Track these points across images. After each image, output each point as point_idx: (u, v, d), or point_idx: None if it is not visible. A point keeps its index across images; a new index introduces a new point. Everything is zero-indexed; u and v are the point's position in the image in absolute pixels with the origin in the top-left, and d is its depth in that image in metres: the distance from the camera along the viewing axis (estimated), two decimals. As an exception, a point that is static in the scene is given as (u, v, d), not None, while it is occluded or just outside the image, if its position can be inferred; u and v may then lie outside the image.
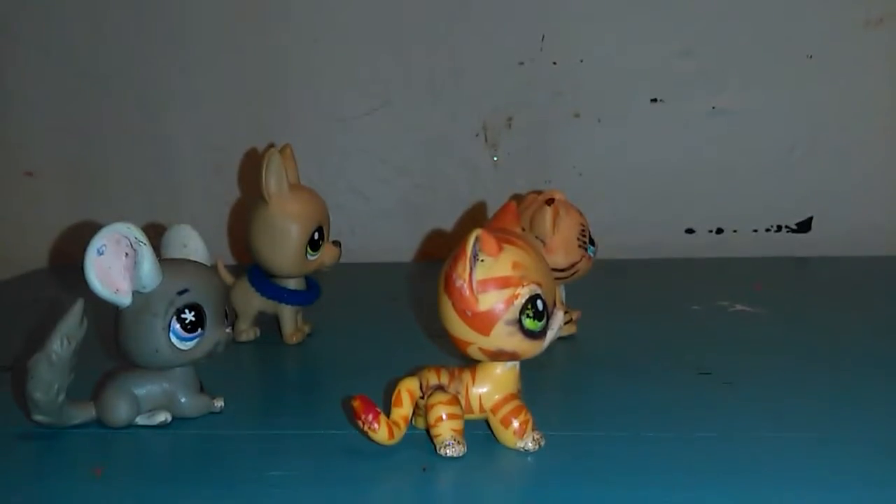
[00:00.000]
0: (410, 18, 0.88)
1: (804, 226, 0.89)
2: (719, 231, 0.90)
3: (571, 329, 0.59)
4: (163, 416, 0.43)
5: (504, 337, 0.37)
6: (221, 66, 0.91)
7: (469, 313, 0.37)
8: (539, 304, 0.37)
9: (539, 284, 0.37)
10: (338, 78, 0.90)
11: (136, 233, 0.40)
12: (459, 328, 0.38)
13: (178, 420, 0.44)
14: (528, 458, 0.39)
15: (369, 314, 0.69)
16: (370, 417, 0.39)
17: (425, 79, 0.89)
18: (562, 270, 0.55)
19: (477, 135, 0.90)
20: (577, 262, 0.55)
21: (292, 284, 0.58)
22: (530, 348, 0.38)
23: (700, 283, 0.76)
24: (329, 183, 0.88)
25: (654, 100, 0.87)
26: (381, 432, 0.39)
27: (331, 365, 0.56)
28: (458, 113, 0.89)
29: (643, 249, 0.87)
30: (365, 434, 0.39)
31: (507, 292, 0.37)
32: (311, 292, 0.59)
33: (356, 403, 0.39)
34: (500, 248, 0.37)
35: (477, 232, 0.36)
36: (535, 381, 0.43)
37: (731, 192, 0.88)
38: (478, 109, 0.89)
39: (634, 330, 0.61)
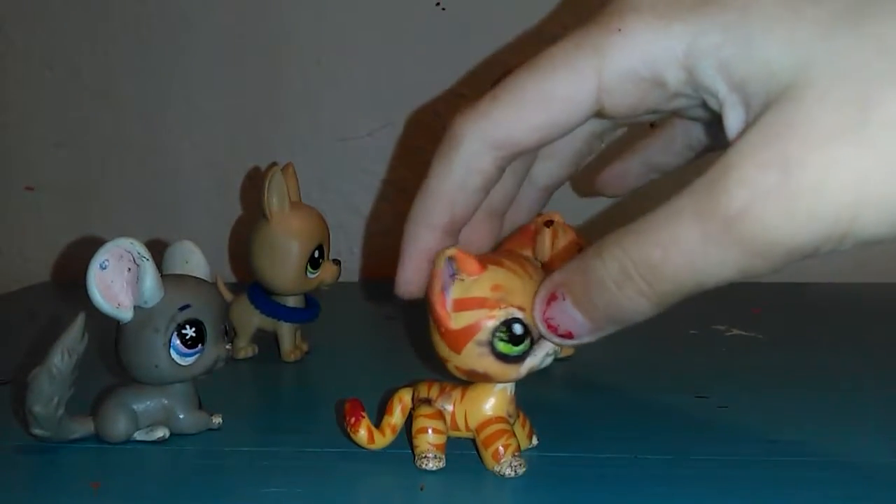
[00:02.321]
0: (413, 40, 0.89)
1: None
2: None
3: (569, 352, 0.59)
4: (161, 432, 0.44)
5: (475, 357, 0.37)
6: (223, 84, 0.92)
7: (443, 330, 0.38)
8: (517, 328, 0.37)
9: (521, 308, 0.37)
10: (339, 98, 0.91)
11: (139, 248, 0.41)
12: (438, 345, 0.39)
13: (176, 436, 0.44)
14: (523, 480, 0.39)
15: (367, 332, 0.69)
16: (353, 420, 0.41)
17: (428, 100, 0.90)
18: (559, 292, 0.56)
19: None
20: (573, 284, 0.56)
21: (291, 302, 0.58)
22: (504, 372, 0.38)
23: (696, 307, 0.76)
24: (329, 201, 0.89)
25: (652, 124, 0.88)
26: (360, 435, 0.41)
27: (328, 383, 0.56)
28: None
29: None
30: (348, 436, 0.41)
31: (482, 313, 0.37)
32: (309, 310, 0.59)
33: (346, 405, 0.41)
34: (482, 269, 0.37)
35: (449, 251, 0.37)
36: (531, 402, 0.43)
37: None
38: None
39: (631, 352, 0.61)
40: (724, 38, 0.27)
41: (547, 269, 0.55)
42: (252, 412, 0.50)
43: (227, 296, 0.61)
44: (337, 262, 0.58)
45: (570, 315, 0.34)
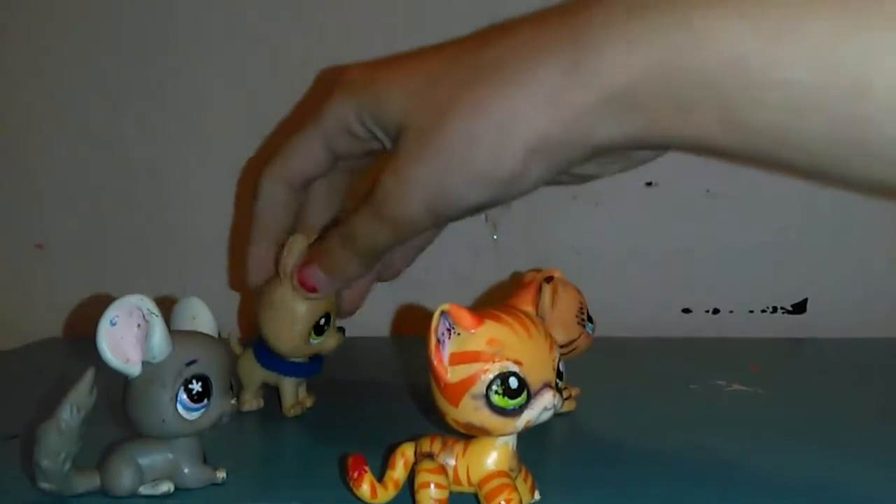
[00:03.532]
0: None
1: (799, 307, 0.90)
2: (716, 311, 0.91)
3: (571, 406, 0.59)
4: (166, 487, 0.44)
5: (471, 411, 0.38)
6: (234, 141, 0.94)
7: (442, 384, 0.39)
8: (512, 381, 0.38)
9: (518, 362, 0.38)
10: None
11: (148, 304, 0.42)
12: (437, 398, 0.40)
13: (180, 490, 0.45)
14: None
15: (371, 388, 0.69)
16: (355, 474, 0.41)
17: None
18: (560, 347, 0.56)
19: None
20: (575, 339, 0.57)
21: (294, 357, 0.59)
22: (501, 425, 0.38)
23: (697, 363, 0.77)
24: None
25: (649, 183, 0.90)
26: (363, 490, 0.41)
27: (331, 437, 0.56)
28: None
29: (641, 328, 0.88)
30: (351, 491, 0.41)
31: (476, 367, 0.38)
32: (311, 365, 0.60)
33: (349, 460, 0.41)
34: (479, 323, 0.38)
35: (443, 307, 0.38)
36: (533, 456, 0.44)
37: (726, 273, 0.90)
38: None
39: (633, 408, 0.62)
40: (371, 100, 0.47)
41: (548, 325, 0.56)
42: (256, 467, 0.51)
43: (238, 350, 0.62)
44: (341, 329, 0.59)
45: (315, 274, 0.53)
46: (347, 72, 0.49)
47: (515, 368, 0.38)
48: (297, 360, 0.59)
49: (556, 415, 0.51)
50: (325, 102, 0.50)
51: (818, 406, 0.62)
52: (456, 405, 0.39)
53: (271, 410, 0.61)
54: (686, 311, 0.91)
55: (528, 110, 0.40)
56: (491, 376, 0.38)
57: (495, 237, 0.92)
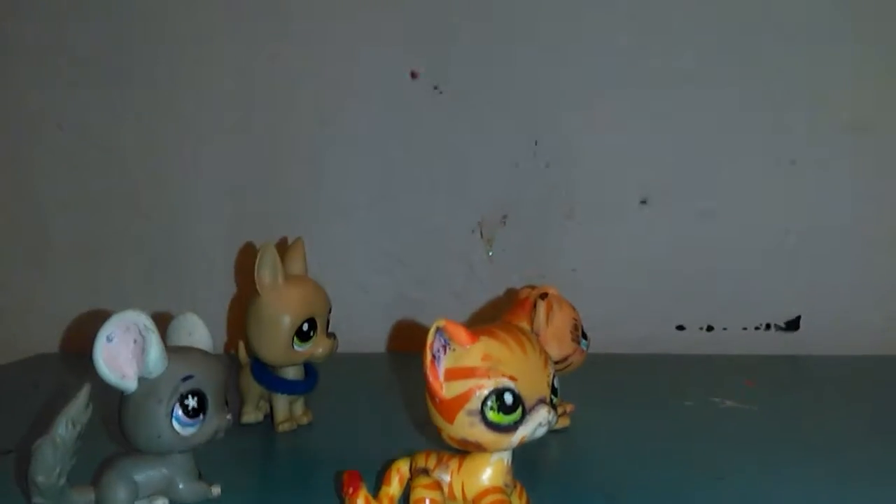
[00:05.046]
0: (413, 118, 0.92)
1: (792, 324, 0.91)
2: (710, 328, 0.91)
3: (565, 422, 0.60)
4: (161, 502, 0.44)
5: (466, 427, 0.38)
6: (232, 152, 0.94)
7: (437, 400, 0.39)
8: (508, 397, 0.38)
9: (513, 378, 0.38)
10: (340, 169, 0.94)
11: (145, 320, 0.42)
12: (432, 414, 0.40)
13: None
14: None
15: (366, 404, 0.69)
16: (350, 490, 0.41)
17: (425, 175, 0.92)
18: (555, 363, 0.57)
19: (473, 231, 0.93)
20: (570, 355, 0.57)
21: (290, 374, 0.59)
22: (496, 441, 0.39)
23: (692, 380, 0.77)
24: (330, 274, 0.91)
25: (644, 201, 0.91)
26: None
27: (327, 453, 0.56)
28: (456, 210, 0.92)
29: (636, 345, 0.88)
30: None
31: (471, 382, 0.38)
32: (305, 382, 0.60)
33: (344, 476, 0.41)
34: (474, 339, 0.39)
35: (439, 322, 0.38)
36: (528, 473, 0.44)
37: (720, 290, 0.91)
38: (475, 206, 0.92)
39: (627, 424, 0.62)
40: None
41: (543, 341, 0.57)
42: (251, 483, 0.51)
43: (244, 361, 0.63)
44: (332, 335, 0.59)
45: None
46: None
47: (510, 384, 0.38)
48: (290, 376, 0.59)
49: (551, 431, 0.52)
50: None
51: (811, 422, 0.62)
52: (451, 421, 0.39)
53: (268, 425, 0.61)
54: (680, 328, 0.92)
55: None
56: (486, 392, 0.38)
57: (490, 253, 0.92)
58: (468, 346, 0.39)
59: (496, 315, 0.46)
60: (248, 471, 0.54)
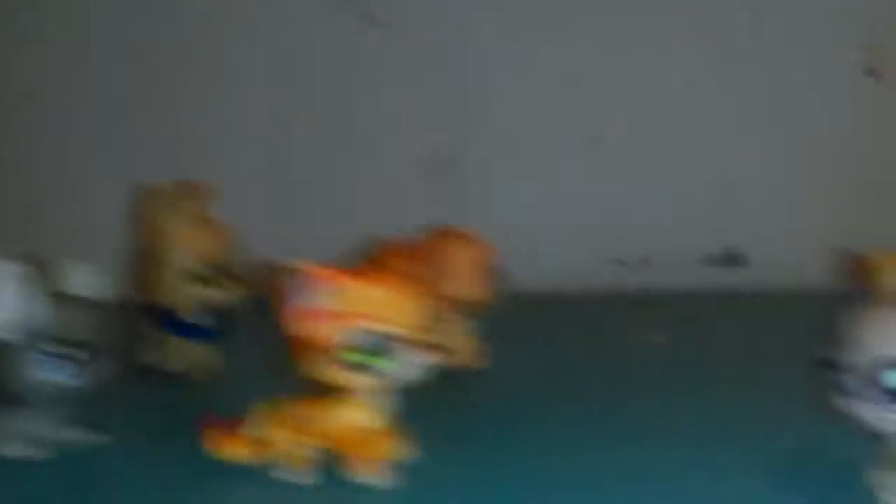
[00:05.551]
0: (363, 60, 0.90)
1: (735, 259, 0.90)
2: (648, 263, 0.91)
3: (478, 362, 0.59)
4: (36, 449, 0.44)
5: (327, 368, 0.38)
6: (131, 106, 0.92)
7: (297, 344, 0.38)
8: (373, 339, 0.37)
9: (378, 319, 0.37)
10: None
11: (22, 268, 0.41)
12: (296, 358, 0.39)
13: (51, 451, 0.44)
14: (391, 488, 0.39)
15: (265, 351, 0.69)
16: (215, 434, 0.41)
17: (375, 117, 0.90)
18: (463, 304, 0.57)
19: (423, 171, 0.91)
20: (478, 296, 0.57)
21: (194, 319, 0.58)
22: (360, 382, 0.38)
23: (624, 318, 0.77)
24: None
25: (591, 139, 0.89)
26: (223, 448, 0.41)
27: (227, 401, 0.55)
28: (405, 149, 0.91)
29: (575, 280, 0.88)
30: (211, 450, 0.41)
31: (332, 324, 0.37)
32: (209, 329, 0.59)
33: (210, 421, 0.41)
34: (337, 280, 0.38)
35: (293, 264, 0.37)
36: (417, 411, 0.44)
37: (661, 224, 0.90)
38: (423, 146, 0.91)
39: (548, 363, 0.62)
40: None
41: (449, 280, 0.56)
42: (132, 430, 0.50)
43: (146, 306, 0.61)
44: (236, 279, 0.57)
45: None
46: None
47: (374, 326, 0.38)
48: (193, 322, 0.58)
49: (463, 371, 0.52)
50: None
51: (723, 360, 0.62)
52: (313, 363, 0.38)
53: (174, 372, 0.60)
54: (621, 263, 0.91)
55: None
56: (349, 334, 0.37)
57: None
58: (331, 288, 0.38)
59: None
60: (144, 417, 0.53)
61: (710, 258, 0.91)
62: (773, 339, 0.69)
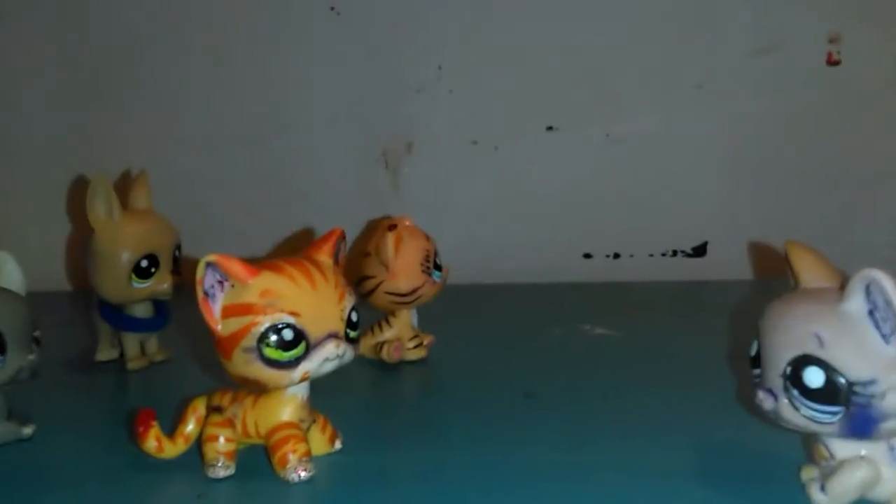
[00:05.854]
0: (311, 45, 0.89)
1: (699, 250, 0.90)
2: (616, 256, 0.90)
3: (421, 353, 0.59)
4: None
5: (243, 364, 0.38)
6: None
7: (216, 338, 0.38)
8: (287, 333, 0.37)
9: (294, 313, 0.37)
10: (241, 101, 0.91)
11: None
12: (215, 351, 0.39)
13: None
14: (314, 484, 0.39)
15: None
16: (141, 429, 0.41)
17: (326, 105, 0.90)
18: (404, 295, 0.56)
19: (377, 160, 0.91)
20: (419, 287, 0.56)
21: (138, 311, 0.58)
22: (275, 377, 0.38)
23: (575, 307, 0.76)
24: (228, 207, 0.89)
25: (550, 128, 0.88)
26: (149, 444, 0.41)
27: (173, 393, 0.55)
28: (358, 138, 0.90)
29: (542, 274, 0.87)
30: (141, 444, 0.41)
31: (247, 319, 0.37)
32: (153, 320, 0.59)
33: (137, 415, 0.41)
34: (253, 274, 0.37)
35: (209, 258, 0.37)
36: (345, 406, 0.43)
37: (627, 217, 0.89)
38: (377, 135, 0.90)
39: (486, 354, 0.61)
40: None
41: (392, 273, 0.56)
42: (66, 422, 0.50)
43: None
44: (176, 272, 0.57)
45: None
46: None
47: (291, 320, 0.37)
48: (137, 314, 0.58)
49: (407, 363, 0.51)
50: None
51: (673, 348, 0.62)
52: (229, 358, 0.38)
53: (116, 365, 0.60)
54: (587, 255, 0.91)
55: None
56: (262, 329, 0.37)
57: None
58: (248, 282, 0.38)
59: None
60: (93, 408, 0.53)
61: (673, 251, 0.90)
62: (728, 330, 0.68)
